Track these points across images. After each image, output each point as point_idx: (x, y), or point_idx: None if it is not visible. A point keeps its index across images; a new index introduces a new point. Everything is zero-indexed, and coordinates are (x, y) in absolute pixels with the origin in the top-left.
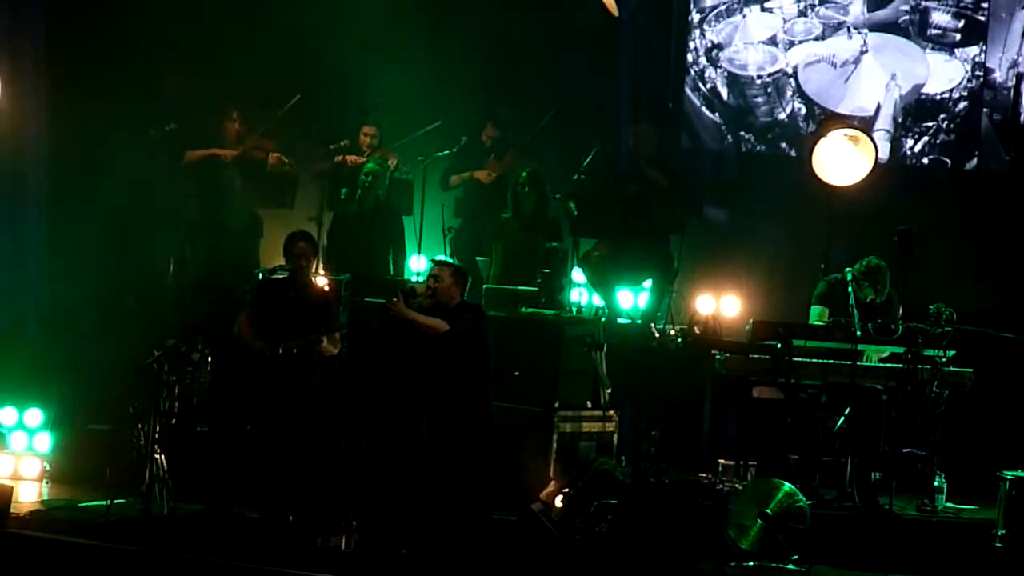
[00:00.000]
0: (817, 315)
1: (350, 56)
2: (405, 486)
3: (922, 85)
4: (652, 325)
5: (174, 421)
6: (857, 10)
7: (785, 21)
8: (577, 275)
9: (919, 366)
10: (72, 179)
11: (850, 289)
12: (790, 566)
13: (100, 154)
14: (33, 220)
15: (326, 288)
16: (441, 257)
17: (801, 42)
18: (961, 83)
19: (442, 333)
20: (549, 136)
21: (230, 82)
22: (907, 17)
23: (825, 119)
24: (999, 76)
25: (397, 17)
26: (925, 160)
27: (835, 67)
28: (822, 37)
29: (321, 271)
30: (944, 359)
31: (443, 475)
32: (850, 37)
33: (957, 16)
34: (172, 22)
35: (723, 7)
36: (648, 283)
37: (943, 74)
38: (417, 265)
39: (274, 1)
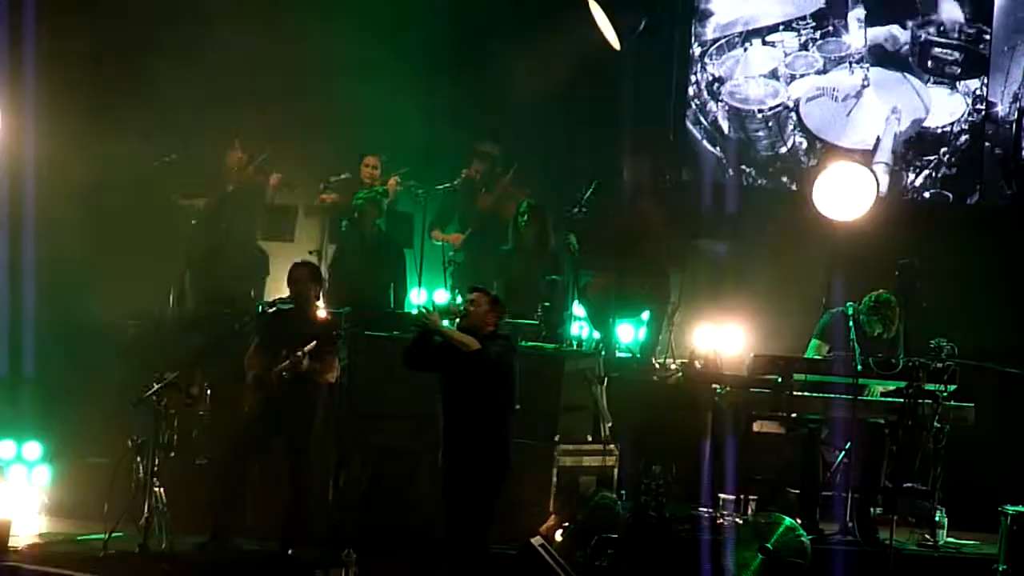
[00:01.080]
0: (815, 349)
1: (349, 89)
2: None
3: (923, 119)
4: (652, 359)
5: (173, 454)
6: (858, 44)
7: (786, 55)
8: (577, 309)
9: (920, 401)
10: (70, 210)
11: (851, 324)
12: None
13: (99, 184)
14: (30, 250)
15: (328, 318)
16: (480, 286)
17: (802, 76)
18: (962, 117)
19: (471, 353)
20: (549, 169)
21: (232, 112)
22: (908, 51)
23: (826, 153)
24: (1001, 110)
25: (395, 48)
26: (926, 194)
27: (836, 101)
28: (823, 71)
29: (321, 303)
30: (945, 394)
31: (454, 502)
32: (851, 71)
33: (958, 50)
34: (173, 51)
35: (724, 41)
36: (646, 315)
37: (944, 108)
38: (418, 298)
39: (276, 33)
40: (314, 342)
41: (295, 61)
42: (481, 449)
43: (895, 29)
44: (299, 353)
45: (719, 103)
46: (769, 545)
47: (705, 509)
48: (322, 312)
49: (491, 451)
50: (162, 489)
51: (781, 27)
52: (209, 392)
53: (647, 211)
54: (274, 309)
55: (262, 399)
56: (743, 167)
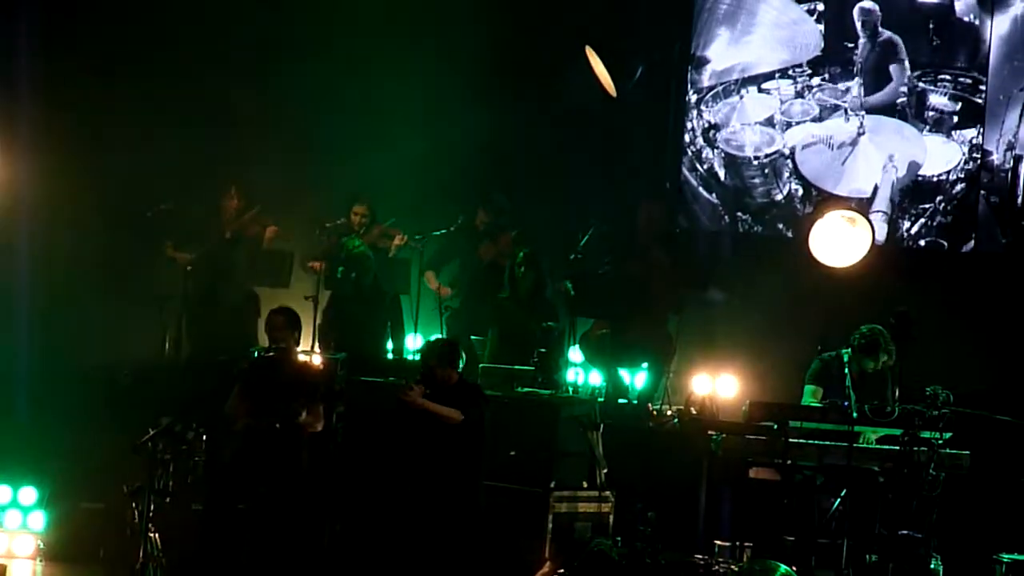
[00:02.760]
0: (810, 394)
1: (346, 134)
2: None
3: (919, 167)
4: (649, 405)
5: (168, 500)
6: (854, 92)
7: (782, 102)
8: (574, 355)
9: (916, 448)
10: (65, 254)
11: (846, 370)
12: None
13: (94, 230)
14: (25, 293)
15: (313, 364)
16: (425, 343)
17: (798, 123)
18: (958, 165)
19: (456, 424)
20: (545, 215)
21: (228, 160)
22: (904, 99)
23: (822, 200)
24: (996, 158)
25: (393, 97)
26: (922, 242)
27: (832, 148)
28: (819, 119)
29: (317, 349)
30: (941, 441)
31: (429, 554)
32: (847, 119)
33: (954, 99)
34: (168, 97)
35: (720, 88)
36: (645, 364)
37: (940, 156)
38: (414, 344)
39: (268, 81)
40: (307, 403)
41: (288, 108)
42: (454, 501)
43: (891, 78)
44: (293, 410)
45: (715, 150)
46: None
47: (701, 556)
48: (317, 359)
49: (463, 502)
50: (157, 535)
51: (777, 74)
52: (205, 438)
53: (657, 258)
54: (257, 357)
55: (249, 448)
56: (739, 214)
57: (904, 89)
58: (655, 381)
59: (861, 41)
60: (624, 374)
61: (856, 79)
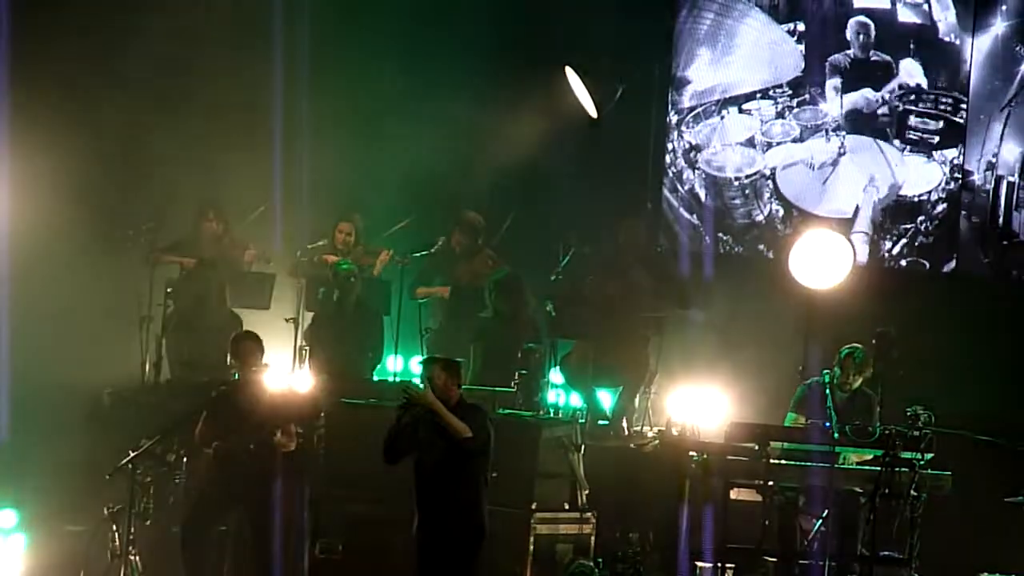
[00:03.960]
0: (791, 421)
1: (326, 156)
2: None
3: (900, 187)
4: (623, 426)
5: (149, 522)
6: (835, 112)
7: (763, 123)
8: (555, 376)
9: (897, 469)
10: (43, 275)
11: (827, 392)
12: None
13: (73, 249)
14: (3, 315)
15: (287, 386)
16: (427, 356)
17: (779, 144)
18: (939, 185)
19: (462, 439)
20: (525, 237)
21: (207, 182)
22: (885, 119)
23: (803, 221)
24: (977, 179)
25: (372, 114)
26: (903, 262)
27: (813, 169)
28: (800, 139)
29: (299, 370)
30: (922, 462)
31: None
32: (828, 139)
33: (935, 118)
34: (150, 119)
35: (701, 109)
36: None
37: (921, 176)
38: (394, 365)
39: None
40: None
41: (269, 125)
42: (459, 520)
43: (872, 98)
44: (272, 428)
45: (696, 171)
46: None
47: None
48: (298, 381)
49: (469, 521)
50: (138, 557)
51: (758, 95)
52: (185, 459)
53: (636, 277)
54: (222, 385)
55: (222, 471)
56: (720, 235)
57: (885, 109)
58: (625, 402)
59: (845, 59)
60: (600, 397)
61: (836, 99)
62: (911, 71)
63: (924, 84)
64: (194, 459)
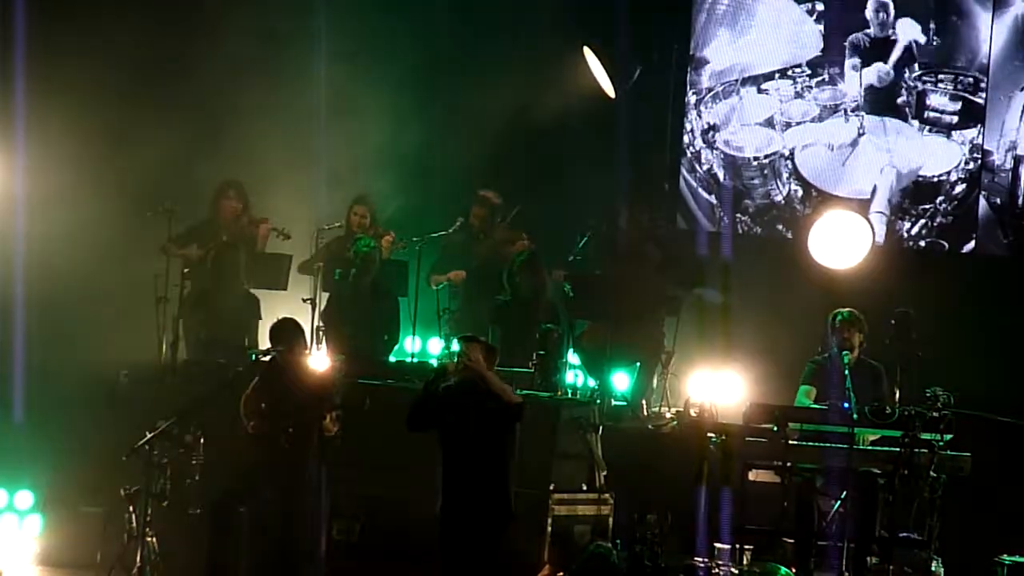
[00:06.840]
0: (804, 395)
1: (342, 135)
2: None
3: (919, 168)
4: (643, 407)
5: (166, 503)
6: (854, 92)
7: (782, 103)
8: (573, 357)
9: (916, 450)
10: (61, 256)
11: (846, 372)
12: None
13: (90, 230)
14: (20, 296)
15: (325, 371)
16: (469, 334)
17: (798, 124)
18: (959, 166)
19: (500, 407)
20: (544, 218)
21: (226, 161)
22: (904, 99)
23: (822, 201)
24: (997, 159)
25: (389, 98)
26: (922, 243)
27: (832, 149)
28: (819, 119)
29: (319, 352)
30: (942, 443)
31: (456, 555)
32: (847, 119)
33: (955, 99)
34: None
35: (720, 89)
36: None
37: (941, 157)
38: (412, 346)
39: (270, 82)
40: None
41: (289, 108)
42: (487, 501)
43: (891, 77)
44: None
45: (714, 151)
46: None
47: (700, 559)
48: (323, 363)
49: (497, 503)
50: (155, 538)
51: (776, 75)
52: (202, 441)
53: (650, 253)
54: (270, 357)
55: (257, 451)
56: (738, 215)
57: (904, 89)
58: (644, 383)
59: (865, 38)
60: (616, 378)
61: (855, 79)
62: (930, 50)
63: (944, 64)
64: (224, 437)
